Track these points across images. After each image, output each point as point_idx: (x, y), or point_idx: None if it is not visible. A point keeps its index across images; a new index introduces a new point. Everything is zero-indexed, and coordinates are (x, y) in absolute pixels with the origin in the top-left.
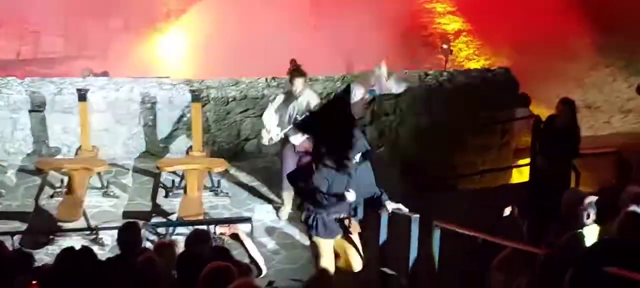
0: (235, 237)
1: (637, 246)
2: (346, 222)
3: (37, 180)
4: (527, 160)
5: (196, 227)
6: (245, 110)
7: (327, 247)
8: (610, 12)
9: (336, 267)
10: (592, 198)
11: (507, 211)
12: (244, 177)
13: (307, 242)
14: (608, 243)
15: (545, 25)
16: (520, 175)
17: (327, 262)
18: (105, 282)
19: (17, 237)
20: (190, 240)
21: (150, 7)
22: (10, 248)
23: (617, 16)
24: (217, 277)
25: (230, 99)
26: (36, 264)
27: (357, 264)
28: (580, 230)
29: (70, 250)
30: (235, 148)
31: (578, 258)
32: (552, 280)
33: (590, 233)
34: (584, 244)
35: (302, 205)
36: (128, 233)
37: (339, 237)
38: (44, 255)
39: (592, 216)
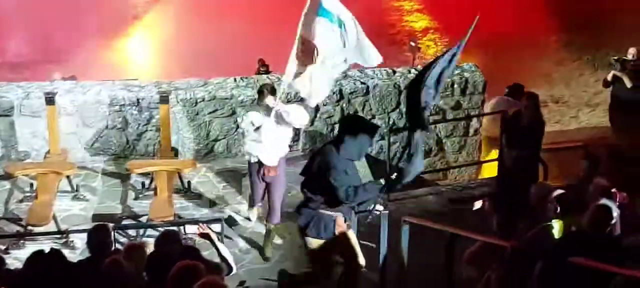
0: (206, 236)
1: (606, 238)
2: (340, 220)
3: (7, 185)
4: (496, 155)
5: (166, 228)
6: (214, 111)
7: (326, 248)
8: (576, 11)
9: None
10: (560, 192)
11: (478, 205)
12: (213, 177)
13: (279, 241)
14: (577, 236)
15: (513, 23)
16: (491, 169)
17: (329, 262)
18: (75, 284)
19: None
20: (159, 241)
21: (118, 12)
22: None
23: (583, 14)
24: (186, 275)
25: (199, 100)
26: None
27: (362, 259)
28: (548, 223)
29: (39, 253)
30: (204, 149)
31: (547, 251)
32: (521, 273)
33: (558, 227)
34: (552, 237)
35: (299, 210)
36: (97, 236)
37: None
38: (14, 260)
39: (557, 210)
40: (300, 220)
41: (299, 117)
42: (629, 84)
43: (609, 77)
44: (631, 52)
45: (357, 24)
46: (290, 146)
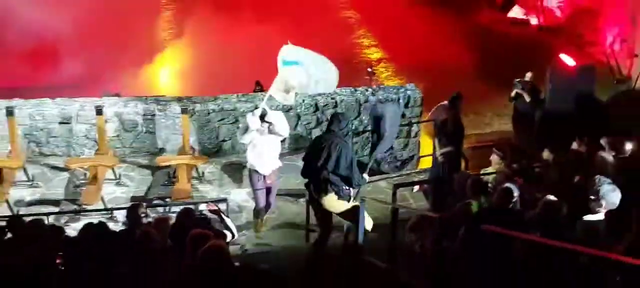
0: (215, 212)
1: (508, 211)
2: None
3: (67, 175)
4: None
5: (185, 206)
6: (222, 119)
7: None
8: (486, 44)
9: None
10: (476, 178)
11: (416, 188)
12: (221, 169)
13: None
14: (488, 211)
15: (442, 53)
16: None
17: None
18: (116, 248)
19: (52, 217)
20: (179, 215)
21: (148, 45)
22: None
23: (492, 46)
24: (198, 240)
25: (210, 111)
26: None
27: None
28: (468, 201)
29: (90, 224)
30: (215, 147)
31: (468, 220)
32: (449, 236)
33: (475, 203)
34: (471, 211)
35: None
36: (133, 212)
37: None
38: (72, 230)
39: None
40: (318, 187)
41: (283, 126)
42: (527, 99)
43: (513, 94)
44: (528, 75)
45: (316, 61)
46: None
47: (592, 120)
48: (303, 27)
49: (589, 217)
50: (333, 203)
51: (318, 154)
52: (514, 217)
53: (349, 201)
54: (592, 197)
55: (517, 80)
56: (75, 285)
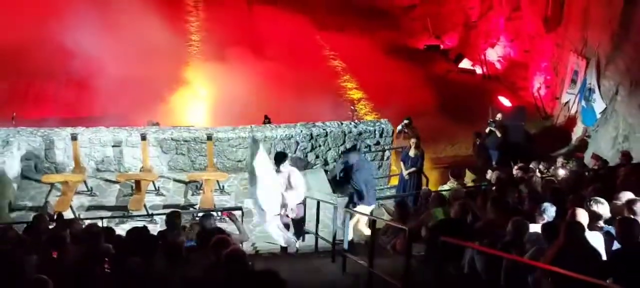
0: (232, 217)
1: (461, 221)
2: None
3: (117, 186)
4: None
5: (209, 212)
6: (239, 144)
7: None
8: (443, 88)
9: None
10: (436, 193)
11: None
12: (238, 183)
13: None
14: (446, 220)
15: (409, 94)
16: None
17: None
18: (155, 246)
19: (105, 220)
20: (202, 220)
21: (175, 79)
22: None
23: (447, 90)
24: (220, 244)
25: (230, 138)
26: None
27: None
28: (430, 212)
29: (136, 227)
30: (234, 166)
31: (431, 227)
32: (415, 238)
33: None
34: (433, 221)
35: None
36: (170, 217)
37: None
38: (121, 230)
39: (435, 204)
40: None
41: (300, 190)
42: (498, 135)
43: (487, 130)
44: (498, 116)
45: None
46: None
47: (524, 148)
48: (301, 73)
49: (532, 227)
50: None
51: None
52: (467, 227)
53: None
54: (537, 212)
55: (490, 120)
56: (121, 276)
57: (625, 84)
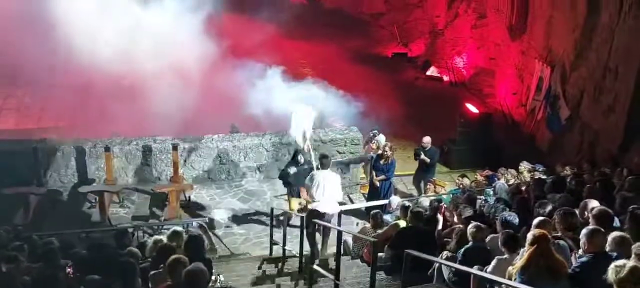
0: (201, 227)
1: (422, 229)
2: None
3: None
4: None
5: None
6: (207, 154)
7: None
8: (410, 95)
9: None
10: (404, 202)
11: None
12: (205, 193)
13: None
14: (409, 228)
15: (379, 101)
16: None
17: None
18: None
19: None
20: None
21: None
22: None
23: (415, 97)
24: (177, 264)
25: (193, 148)
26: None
27: None
28: (397, 221)
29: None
30: (202, 176)
31: (395, 234)
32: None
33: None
34: (399, 228)
35: None
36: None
37: None
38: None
39: (400, 214)
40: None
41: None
42: (428, 160)
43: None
44: (427, 139)
45: None
46: None
47: (490, 155)
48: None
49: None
50: None
51: None
52: (432, 236)
53: None
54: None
55: (417, 147)
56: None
57: (590, 91)
